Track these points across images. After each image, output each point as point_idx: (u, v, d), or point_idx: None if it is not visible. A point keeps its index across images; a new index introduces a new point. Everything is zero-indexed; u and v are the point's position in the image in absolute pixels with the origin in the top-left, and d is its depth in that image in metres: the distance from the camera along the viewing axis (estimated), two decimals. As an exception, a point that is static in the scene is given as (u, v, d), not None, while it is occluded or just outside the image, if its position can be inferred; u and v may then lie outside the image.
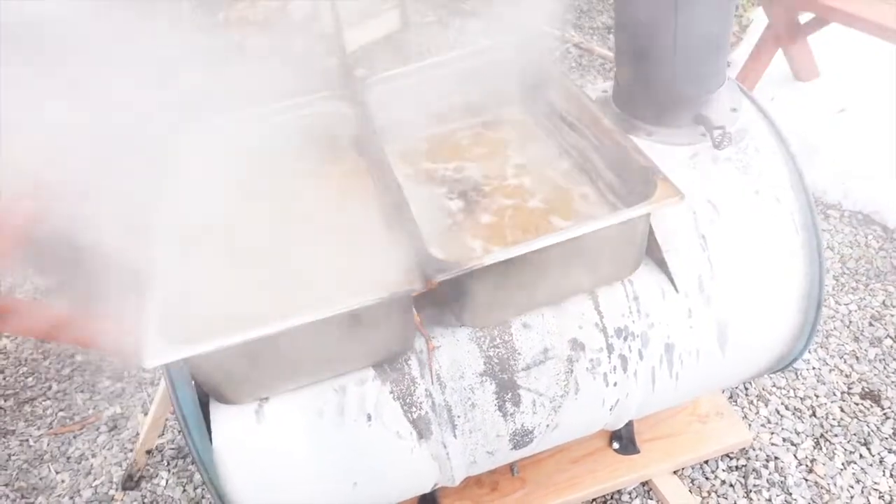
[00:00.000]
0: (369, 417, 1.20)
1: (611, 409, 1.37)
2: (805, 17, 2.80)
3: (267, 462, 1.18)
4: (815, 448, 1.85)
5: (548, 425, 1.32)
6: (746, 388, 2.01)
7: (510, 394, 1.25)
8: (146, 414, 2.15)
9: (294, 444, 1.18)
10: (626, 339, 1.28)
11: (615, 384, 1.31)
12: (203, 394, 1.20)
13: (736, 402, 1.98)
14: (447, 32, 3.71)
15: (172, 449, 2.04)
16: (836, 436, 1.87)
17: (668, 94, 1.26)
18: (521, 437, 1.32)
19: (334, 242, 1.22)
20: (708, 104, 1.31)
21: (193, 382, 1.17)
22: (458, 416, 1.24)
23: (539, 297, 1.22)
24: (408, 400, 1.21)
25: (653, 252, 1.28)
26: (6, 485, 2.00)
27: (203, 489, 1.95)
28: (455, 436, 1.26)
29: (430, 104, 1.48)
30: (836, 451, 1.84)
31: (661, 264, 1.28)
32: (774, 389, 2.00)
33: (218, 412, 1.17)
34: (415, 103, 1.47)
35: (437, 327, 1.25)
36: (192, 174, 1.36)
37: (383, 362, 1.21)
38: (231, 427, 1.16)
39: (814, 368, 2.04)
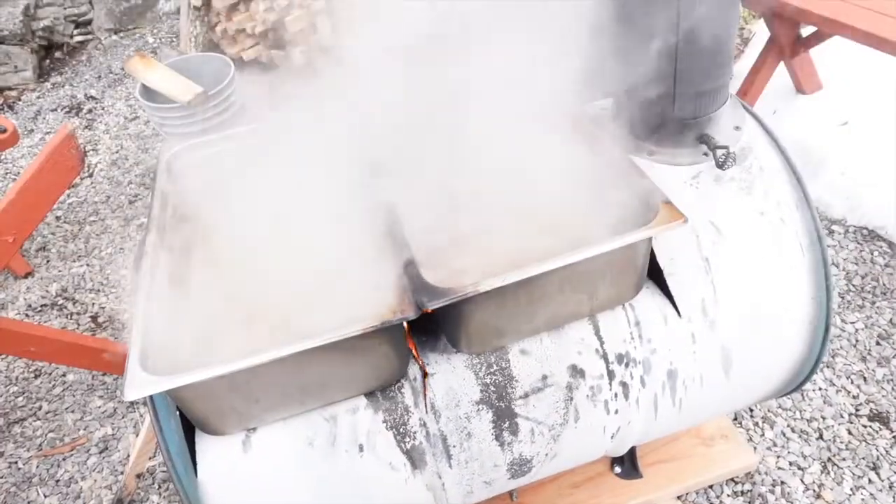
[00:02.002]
0: (361, 448, 1.16)
1: (612, 437, 1.32)
2: (807, 30, 2.77)
3: (254, 494, 1.13)
4: (822, 472, 1.80)
5: (547, 454, 1.27)
6: (751, 410, 1.96)
7: (508, 422, 1.21)
8: (138, 435, 2.11)
9: (283, 475, 1.14)
10: (627, 365, 1.24)
11: (616, 412, 1.27)
12: (188, 424, 1.15)
13: (741, 423, 1.93)
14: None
15: (163, 472, 1.99)
16: (843, 459, 1.82)
17: (670, 113, 1.22)
18: (519, 467, 1.27)
19: (327, 265, 1.18)
20: (710, 123, 1.27)
21: (178, 413, 1.12)
22: (454, 446, 1.20)
23: (538, 323, 1.18)
24: (401, 429, 1.17)
25: (654, 276, 1.24)
26: (-7, 509, 1.96)
27: (195, 513, 1.90)
28: (450, 466, 1.21)
29: (420, 120, 1.44)
30: (844, 476, 1.79)
31: (664, 288, 1.24)
32: (780, 411, 1.95)
33: (203, 443, 1.13)
34: (404, 120, 1.44)
35: (431, 353, 1.21)
36: (187, 191, 1.33)
37: (376, 390, 1.17)
38: (217, 459, 1.12)
39: (820, 389, 2.00)
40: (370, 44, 1.43)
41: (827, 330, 1.31)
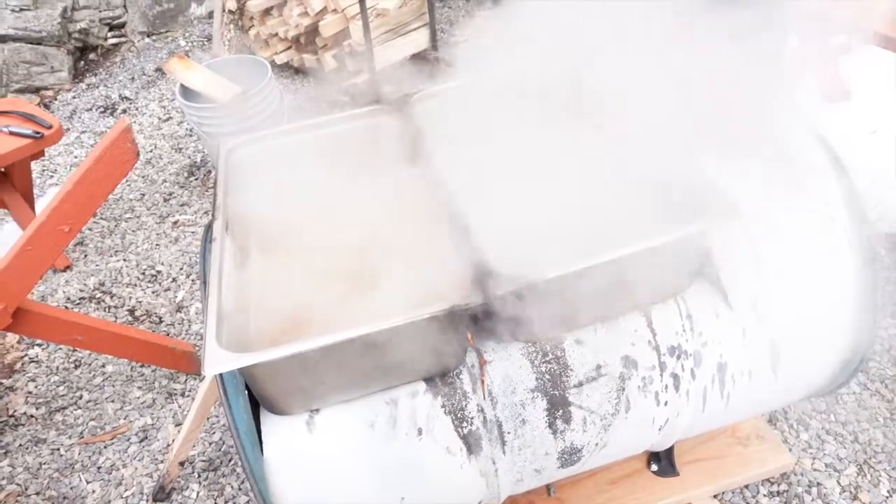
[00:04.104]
0: (420, 431, 1.19)
1: (660, 429, 1.34)
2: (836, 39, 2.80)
3: (317, 473, 1.16)
4: (858, 474, 1.81)
5: (597, 444, 1.30)
6: (786, 412, 1.97)
7: (561, 411, 1.24)
8: (177, 425, 2.15)
9: (344, 455, 1.17)
10: (678, 357, 1.27)
11: (666, 403, 1.29)
12: (253, 403, 1.19)
13: (776, 425, 1.94)
14: (475, 52, 3.73)
15: (203, 461, 2.03)
16: (879, 462, 1.83)
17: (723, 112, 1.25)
18: (569, 456, 1.30)
19: (392, 251, 1.22)
20: (761, 122, 1.30)
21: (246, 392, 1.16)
22: (509, 433, 1.23)
23: (593, 313, 1.21)
24: (459, 415, 1.20)
25: (706, 270, 1.27)
26: (38, 493, 2.00)
27: (233, 502, 1.94)
28: (504, 452, 1.24)
29: (477, 118, 1.48)
30: (880, 479, 1.80)
31: (715, 282, 1.27)
32: (815, 414, 1.97)
33: (269, 422, 1.17)
34: (463, 117, 1.48)
35: (488, 341, 1.24)
36: (249, 185, 1.37)
37: (435, 376, 1.20)
38: (282, 438, 1.16)
39: (854, 393, 2.01)
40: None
41: (873, 326, 1.33)
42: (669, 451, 1.71)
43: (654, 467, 1.74)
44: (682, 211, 1.20)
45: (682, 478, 1.72)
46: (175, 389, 2.27)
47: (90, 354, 2.41)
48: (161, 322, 2.55)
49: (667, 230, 1.11)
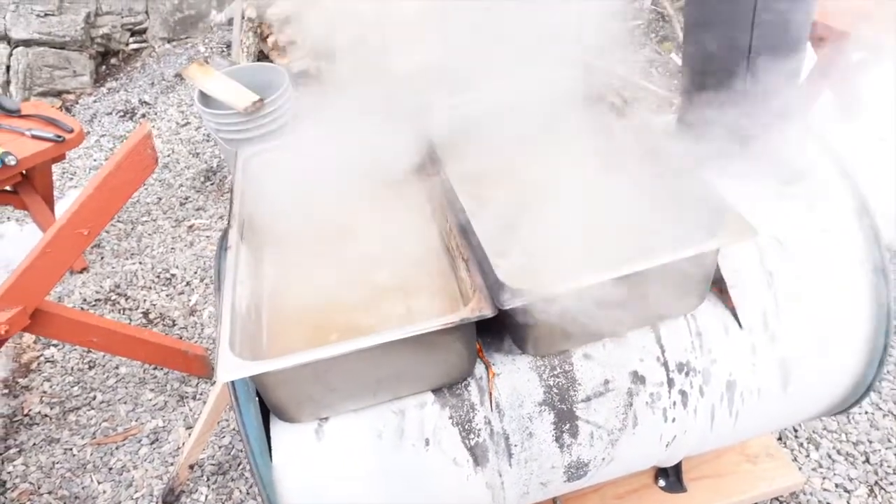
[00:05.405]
0: (427, 442, 1.20)
1: (667, 446, 1.34)
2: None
3: (325, 481, 1.18)
4: (869, 495, 1.79)
5: (603, 459, 1.30)
6: (796, 431, 1.96)
7: (568, 425, 1.24)
8: (188, 428, 2.17)
9: (352, 464, 1.18)
10: (687, 374, 1.26)
11: (674, 420, 1.29)
12: (263, 410, 1.20)
13: (785, 444, 1.93)
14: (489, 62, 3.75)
15: (212, 465, 2.05)
16: (891, 484, 1.81)
17: (738, 130, 1.26)
18: (575, 470, 1.30)
19: (403, 264, 1.23)
20: (775, 139, 1.30)
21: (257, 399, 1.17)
22: (515, 445, 1.23)
23: (603, 329, 1.21)
24: (466, 426, 1.20)
25: (717, 287, 1.27)
26: (49, 492, 2.03)
27: (241, 507, 1.95)
28: (510, 465, 1.25)
29: (490, 130, 1.50)
30: (892, 500, 1.78)
31: (726, 300, 1.27)
32: (825, 433, 1.95)
33: (278, 430, 1.18)
34: (478, 129, 1.49)
35: (496, 354, 1.25)
36: (265, 193, 1.39)
37: (443, 387, 1.21)
38: (291, 445, 1.17)
39: (866, 413, 1.99)
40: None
41: (885, 348, 1.32)
42: (677, 467, 1.70)
43: (662, 483, 1.73)
44: (697, 228, 1.21)
45: (690, 494, 1.71)
46: (186, 392, 2.29)
47: (104, 356, 2.45)
48: (174, 325, 2.58)
49: (682, 247, 1.11)
